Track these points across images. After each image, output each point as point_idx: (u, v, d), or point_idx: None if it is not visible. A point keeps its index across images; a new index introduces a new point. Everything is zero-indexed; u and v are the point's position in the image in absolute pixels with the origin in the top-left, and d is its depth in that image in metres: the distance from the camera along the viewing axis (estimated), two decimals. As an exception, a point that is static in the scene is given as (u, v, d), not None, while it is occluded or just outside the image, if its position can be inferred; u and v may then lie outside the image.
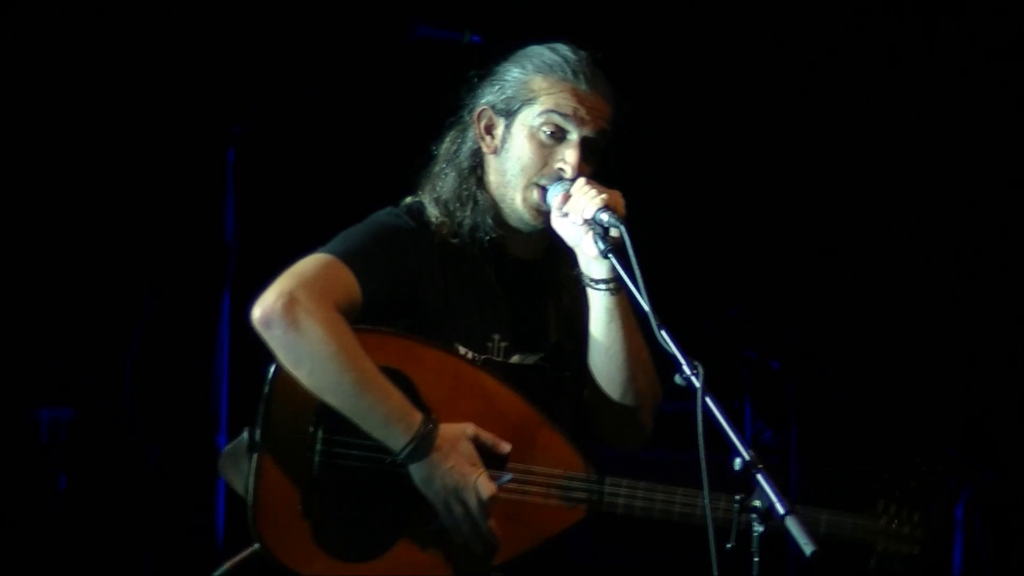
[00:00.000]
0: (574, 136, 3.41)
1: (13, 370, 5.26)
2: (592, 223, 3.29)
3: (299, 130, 5.51)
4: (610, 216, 3.26)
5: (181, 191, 5.46)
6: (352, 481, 3.28)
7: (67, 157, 5.36)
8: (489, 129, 3.48)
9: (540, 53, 3.47)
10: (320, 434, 3.27)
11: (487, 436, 3.31)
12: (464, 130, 3.52)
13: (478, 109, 3.48)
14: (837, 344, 5.92)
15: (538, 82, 3.43)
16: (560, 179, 3.39)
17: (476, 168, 3.48)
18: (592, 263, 3.36)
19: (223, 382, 5.19)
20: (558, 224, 3.37)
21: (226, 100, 5.36)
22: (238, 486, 3.30)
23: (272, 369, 3.27)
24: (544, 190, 3.41)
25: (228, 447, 3.34)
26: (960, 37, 5.89)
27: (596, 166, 3.45)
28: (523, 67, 3.46)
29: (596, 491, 3.38)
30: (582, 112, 3.41)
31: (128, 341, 5.33)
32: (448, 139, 3.54)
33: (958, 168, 5.94)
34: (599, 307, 3.38)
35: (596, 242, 3.29)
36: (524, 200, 3.42)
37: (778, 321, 5.77)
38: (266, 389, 3.28)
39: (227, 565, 3.30)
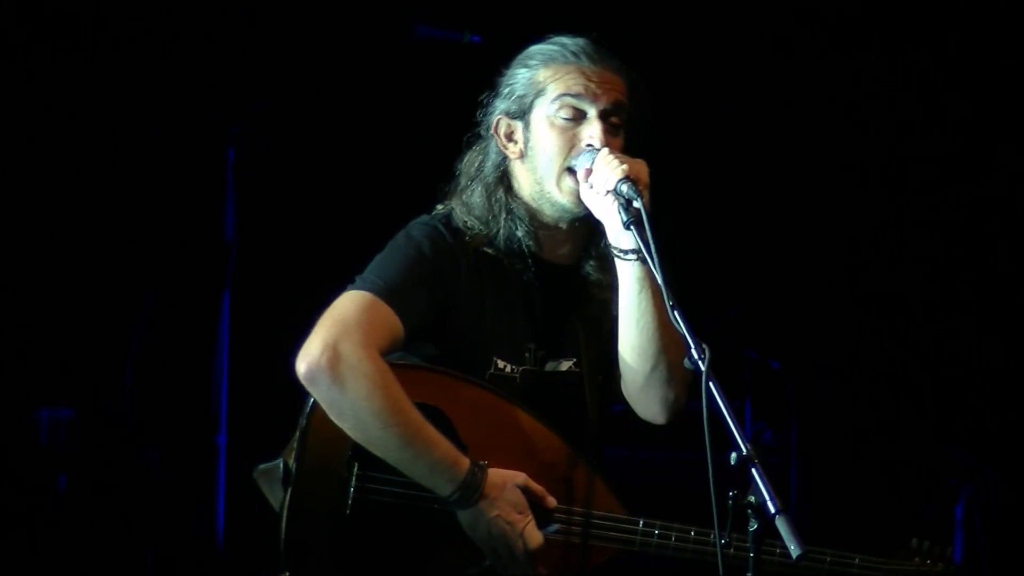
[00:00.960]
0: (592, 112, 3.42)
1: (13, 370, 5.26)
2: (615, 194, 3.29)
3: (299, 130, 5.51)
4: (629, 187, 3.26)
5: (181, 191, 5.46)
6: (386, 517, 3.29)
7: (67, 157, 5.35)
8: (509, 136, 3.48)
9: (539, 49, 3.50)
10: (356, 470, 3.28)
11: (536, 488, 3.32)
12: (484, 146, 3.53)
13: (494, 120, 3.49)
14: (837, 344, 5.92)
15: (544, 73, 3.45)
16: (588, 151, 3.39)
17: (502, 179, 3.48)
18: (620, 234, 3.36)
19: (223, 382, 5.19)
20: (587, 197, 3.37)
21: (226, 100, 5.35)
22: (272, 501, 3.31)
23: (310, 402, 3.28)
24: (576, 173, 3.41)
25: (263, 466, 3.35)
26: (960, 36, 5.89)
27: (623, 139, 3.45)
28: (526, 66, 3.48)
29: (630, 531, 3.39)
30: (593, 87, 3.42)
31: (128, 341, 5.33)
32: (467, 157, 3.55)
33: (958, 168, 5.94)
34: (629, 278, 3.37)
35: (620, 213, 3.28)
36: (561, 189, 3.42)
37: (778, 321, 5.76)
38: (303, 423, 3.28)
39: None
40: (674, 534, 3.39)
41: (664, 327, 3.37)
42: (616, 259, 3.38)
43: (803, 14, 5.92)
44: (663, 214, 3.29)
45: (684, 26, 5.89)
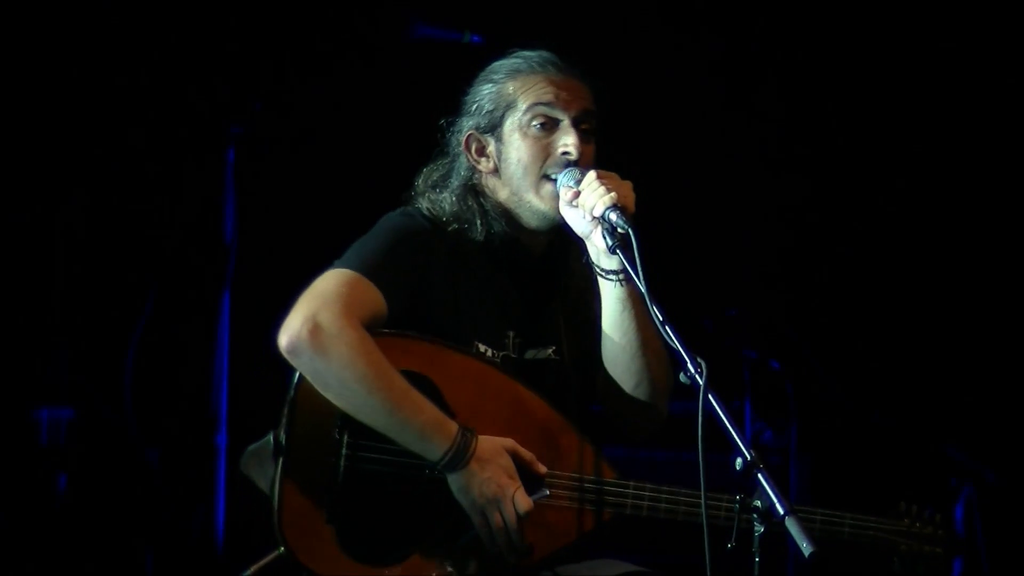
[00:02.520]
0: (565, 120, 3.44)
1: (13, 370, 5.26)
2: (602, 219, 3.30)
3: (299, 130, 5.51)
4: (618, 217, 3.27)
5: (181, 191, 5.46)
6: (377, 485, 3.29)
7: (68, 157, 5.36)
8: (481, 151, 3.49)
9: (502, 63, 3.52)
10: (345, 439, 3.28)
11: (526, 454, 3.32)
12: (448, 162, 3.53)
13: (464, 136, 3.49)
14: (837, 344, 5.92)
15: (512, 86, 3.47)
16: (568, 165, 3.41)
17: (472, 189, 3.48)
18: (603, 255, 3.38)
19: (223, 382, 5.20)
20: (567, 213, 3.38)
21: (226, 100, 5.36)
22: (262, 485, 3.31)
23: (296, 375, 3.29)
24: (556, 181, 3.42)
25: (252, 447, 3.35)
26: (960, 36, 5.89)
27: (594, 145, 3.47)
28: (491, 81, 3.50)
29: (620, 495, 3.39)
30: (564, 95, 3.44)
31: (128, 341, 5.33)
32: (425, 172, 3.54)
33: (958, 168, 5.94)
34: (611, 297, 3.39)
35: (605, 237, 3.29)
36: (541, 197, 3.44)
37: (778, 321, 5.77)
38: (291, 394, 3.29)
39: (253, 569, 3.29)
40: (664, 496, 3.39)
41: (647, 344, 3.41)
42: (599, 278, 3.40)
43: (809, 12, 5.93)
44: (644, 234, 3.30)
45: (682, 23, 5.90)
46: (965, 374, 5.89)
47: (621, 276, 3.36)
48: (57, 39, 5.31)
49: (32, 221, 5.34)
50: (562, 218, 3.41)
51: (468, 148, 3.49)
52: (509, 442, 3.31)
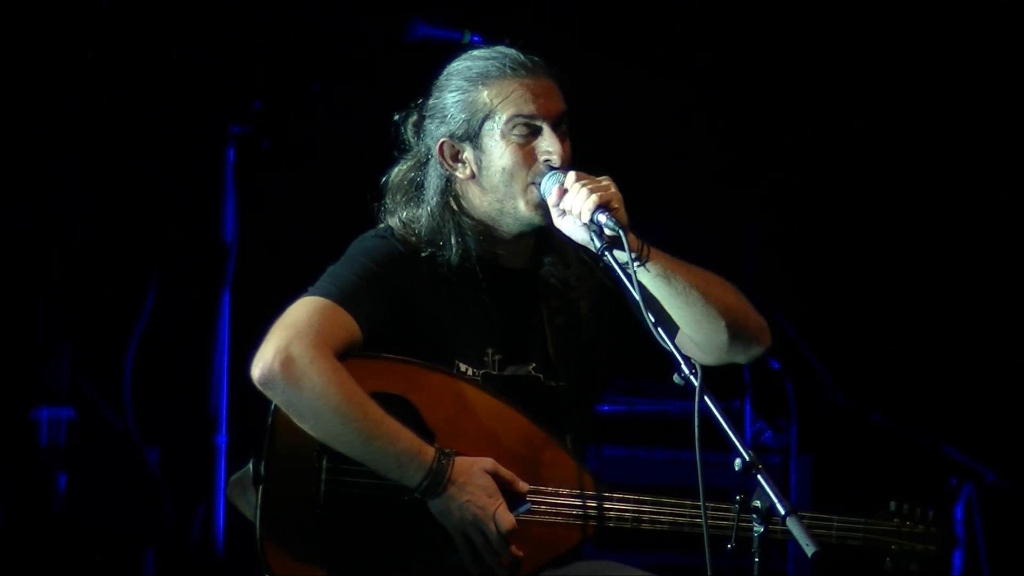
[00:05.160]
0: (546, 126, 3.39)
1: (13, 370, 5.26)
2: (591, 224, 3.28)
3: (299, 130, 5.51)
4: (607, 218, 3.24)
5: (181, 191, 5.46)
6: (360, 509, 3.28)
7: (67, 157, 5.36)
8: (456, 156, 3.44)
9: (468, 66, 3.44)
10: (325, 463, 3.28)
11: (506, 473, 3.31)
12: (416, 163, 3.49)
13: (437, 143, 3.43)
14: (837, 344, 5.92)
15: (486, 94, 3.40)
16: (551, 169, 3.37)
17: (448, 202, 3.44)
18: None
19: (223, 382, 5.20)
20: (562, 224, 3.36)
21: (226, 100, 5.36)
22: (247, 513, 3.32)
23: (274, 403, 3.28)
24: (540, 188, 3.40)
25: (235, 476, 3.36)
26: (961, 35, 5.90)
27: (571, 139, 3.43)
28: (459, 87, 3.43)
29: (604, 507, 3.38)
30: (540, 100, 3.39)
31: (128, 341, 5.33)
32: (397, 175, 3.51)
33: (957, 167, 5.95)
34: (648, 282, 3.34)
35: (592, 240, 3.27)
36: (528, 203, 3.40)
37: (778, 321, 5.77)
38: (269, 421, 3.28)
39: None
40: (650, 507, 3.39)
41: (707, 291, 3.36)
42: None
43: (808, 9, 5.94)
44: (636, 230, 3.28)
45: (681, 20, 5.90)
46: (965, 374, 5.89)
47: (641, 258, 3.29)
48: (58, 38, 5.31)
49: (32, 221, 5.34)
50: (558, 230, 3.37)
51: (442, 154, 3.44)
52: (488, 461, 3.30)
